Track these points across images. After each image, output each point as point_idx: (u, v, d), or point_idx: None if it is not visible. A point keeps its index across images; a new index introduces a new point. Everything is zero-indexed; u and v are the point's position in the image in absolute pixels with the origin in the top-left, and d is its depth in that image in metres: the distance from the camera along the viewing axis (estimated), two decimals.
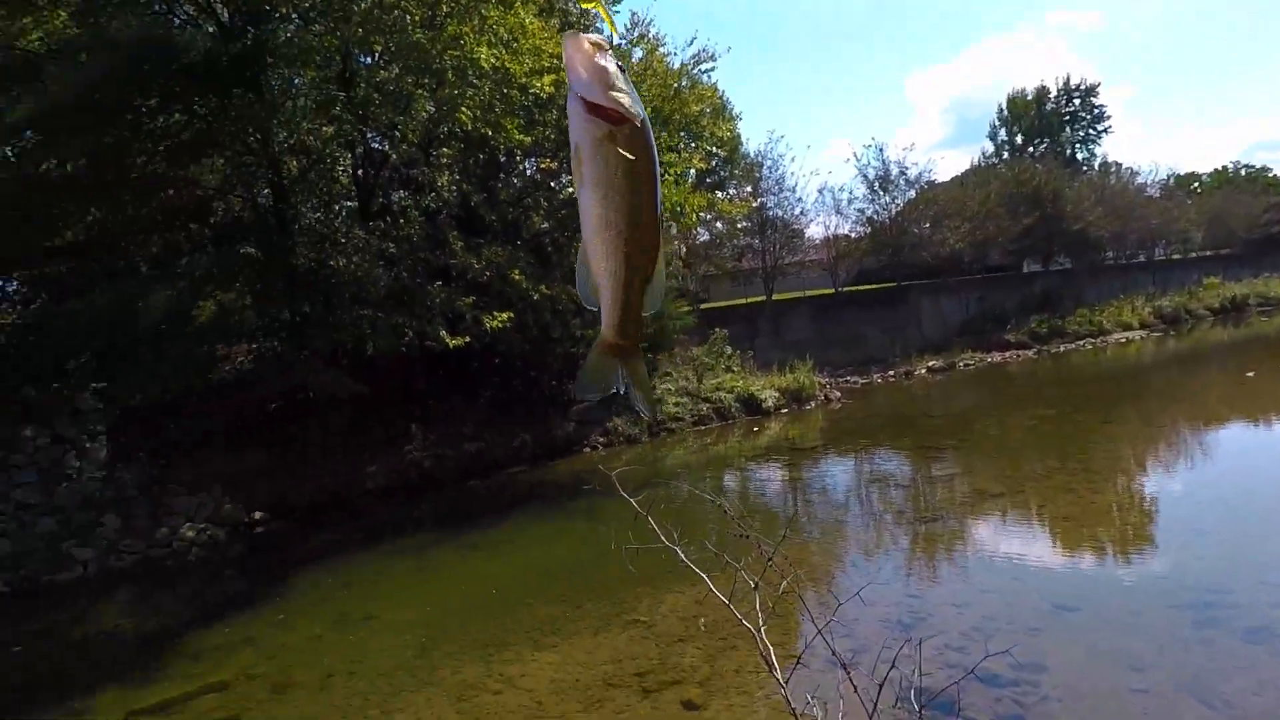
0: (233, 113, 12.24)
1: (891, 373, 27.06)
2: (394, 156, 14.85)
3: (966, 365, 27.45)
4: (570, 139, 1.21)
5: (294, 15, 12.74)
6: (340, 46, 12.75)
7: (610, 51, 1.17)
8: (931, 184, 34.86)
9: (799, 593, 3.17)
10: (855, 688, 2.60)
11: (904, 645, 3.07)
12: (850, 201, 35.34)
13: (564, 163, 15.09)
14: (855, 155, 58.79)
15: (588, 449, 17.14)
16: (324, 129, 13.40)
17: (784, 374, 22.17)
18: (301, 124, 12.86)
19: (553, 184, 15.85)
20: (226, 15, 12.73)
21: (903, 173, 33.51)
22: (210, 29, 12.76)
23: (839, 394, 22.68)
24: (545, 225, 15.82)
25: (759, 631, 2.80)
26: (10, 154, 12.83)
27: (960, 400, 21.03)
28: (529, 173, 16.96)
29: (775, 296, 32.92)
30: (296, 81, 13.04)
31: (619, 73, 1.15)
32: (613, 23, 1.34)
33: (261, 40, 11.99)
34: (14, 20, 12.40)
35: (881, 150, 34.22)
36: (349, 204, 15.32)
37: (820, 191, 49.97)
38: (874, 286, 34.78)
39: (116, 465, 13.02)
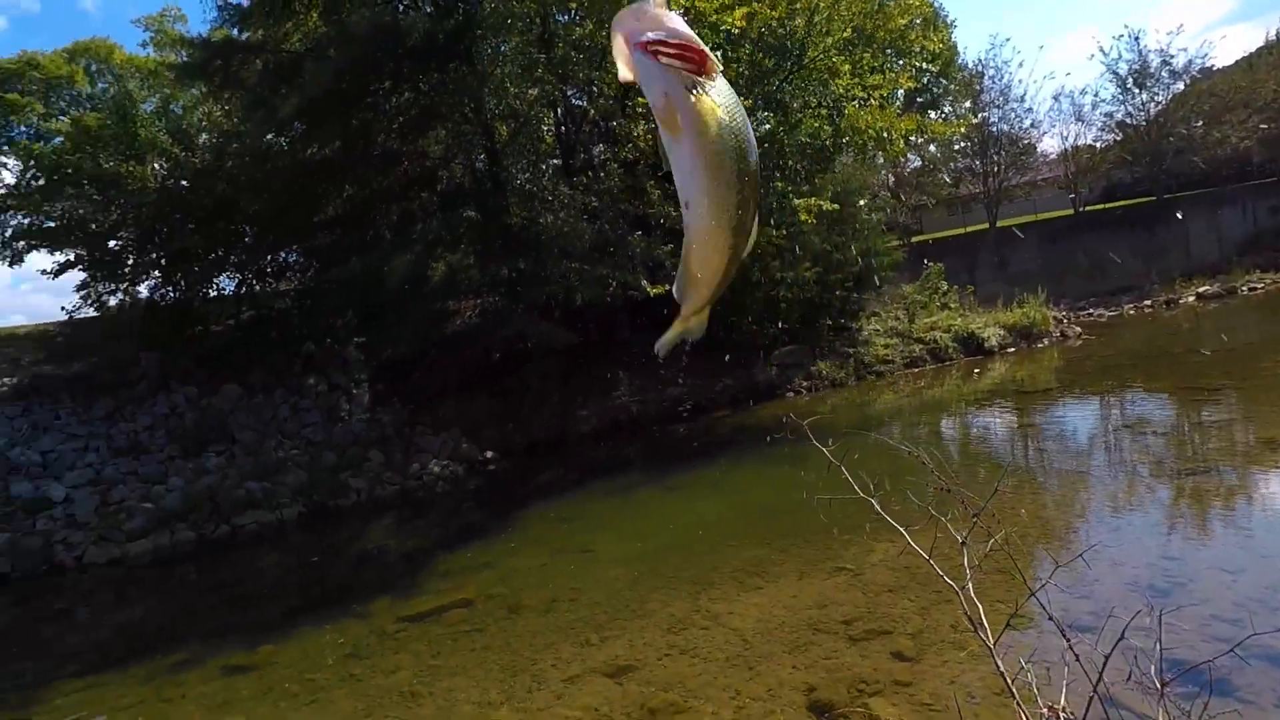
0: (450, 86, 13.26)
1: (1148, 303, 23.60)
2: (592, 111, 15.29)
3: (1253, 289, 23.07)
4: (652, 106, 1.11)
5: None
6: (539, 9, 13.25)
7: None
8: (1207, 72, 28.92)
9: (1010, 550, 2.92)
10: (1078, 656, 2.37)
11: (1140, 613, 2.74)
12: (1095, 105, 30.85)
13: (757, 99, 14.63)
14: (1102, 49, 50.81)
15: (790, 394, 16.93)
16: (529, 92, 14.12)
17: (1010, 309, 20.18)
18: (509, 89, 13.63)
19: None
20: None
21: (1166, 62, 28.08)
22: (428, 10, 13.84)
23: (1078, 329, 20.27)
24: None
25: (963, 590, 2.64)
26: (284, 144, 14.99)
27: (1242, 332, 17.73)
28: None
29: (1000, 223, 29.84)
30: (503, 49, 13.78)
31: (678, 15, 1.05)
32: None
33: (470, 13, 12.79)
34: (280, 27, 14.32)
35: (1137, 39, 29.30)
36: (554, 162, 16.08)
37: (1056, 98, 43.89)
38: (1126, 203, 30.18)
39: (377, 409, 15.08)
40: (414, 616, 6.97)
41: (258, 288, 16.91)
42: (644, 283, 13.45)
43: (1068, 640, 2.46)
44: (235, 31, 14.44)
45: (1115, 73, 29.23)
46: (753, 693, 4.77)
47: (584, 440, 14.82)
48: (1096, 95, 46.58)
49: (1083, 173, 30.27)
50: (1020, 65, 36.39)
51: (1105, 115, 30.23)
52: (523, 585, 7.49)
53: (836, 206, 16.13)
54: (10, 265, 17.34)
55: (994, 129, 30.03)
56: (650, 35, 1.03)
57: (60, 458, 12.74)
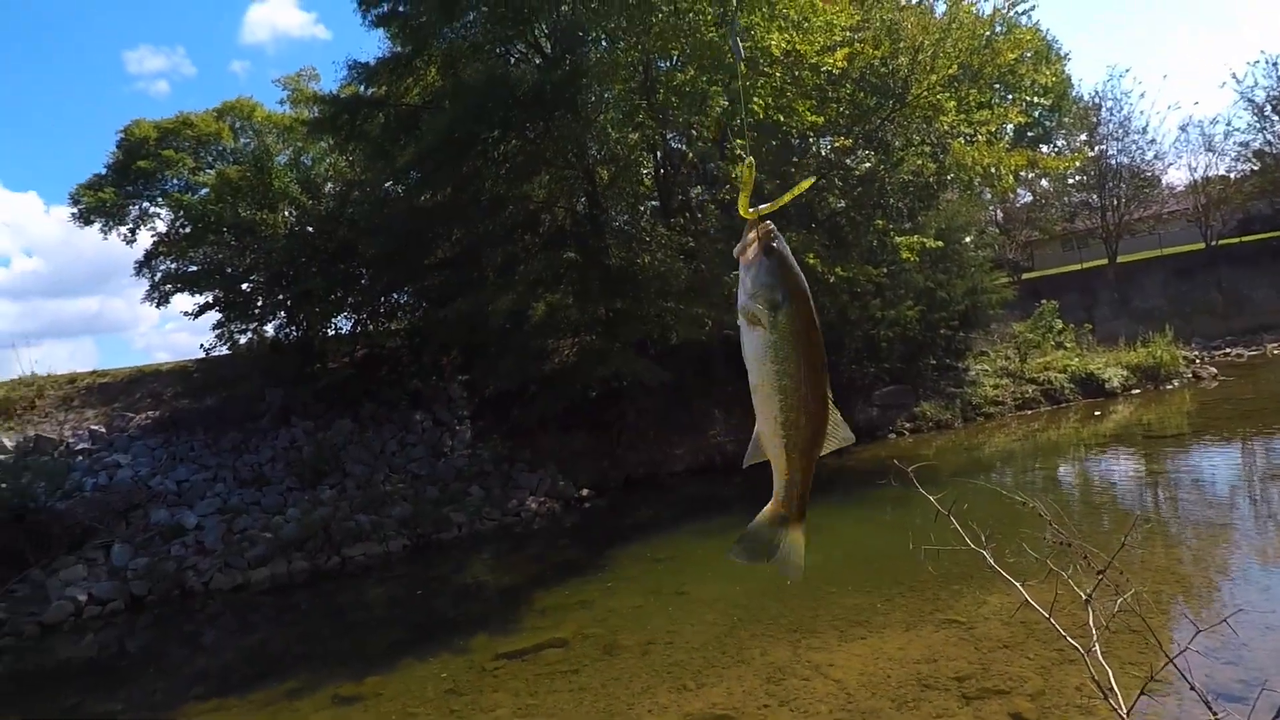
0: (555, 133, 13.81)
1: None
2: (690, 154, 15.53)
3: None
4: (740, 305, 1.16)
5: (603, 38, 13.96)
6: (641, 58, 13.67)
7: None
8: None
9: (1141, 610, 2.69)
10: None
11: None
12: (1228, 134, 28.86)
13: (858, 139, 14.47)
14: (1235, 76, 47.81)
15: (892, 435, 16.35)
16: (630, 136, 14.52)
17: (1134, 348, 18.89)
18: (611, 134, 14.06)
19: (848, 161, 15.29)
20: (549, 48, 14.41)
21: None
22: (537, 61, 14.54)
23: (1213, 370, 18.73)
24: (841, 205, 15.35)
25: (1089, 651, 2.44)
26: (400, 190, 15.98)
27: None
28: (823, 153, 16.58)
29: (1120, 259, 28.14)
30: (606, 96, 14.27)
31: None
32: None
33: (577, 64, 13.35)
34: (401, 82, 15.40)
35: (1275, 65, 27.33)
36: (652, 203, 16.39)
37: (1183, 128, 41.31)
38: (1265, 236, 27.91)
39: (477, 444, 15.55)
40: (512, 654, 7.05)
41: (371, 327, 17.90)
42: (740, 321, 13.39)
43: (1214, 713, 2.23)
44: (362, 88, 15.61)
45: (1251, 100, 27.35)
46: None
47: (678, 478, 14.76)
48: (1229, 124, 43.61)
49: (1215, 205, 28.24)
50: (1142, 96, 34.46)
51: (1240, 145, 28.26)
52: (619, 626, 7.46)
53: (940, 244, 15.66)
54: (158, 307, 19.07)
55: (1112, 161, 28.53)
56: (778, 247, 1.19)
57: (193, 487, 13.74)
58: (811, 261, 13.52)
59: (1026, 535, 4.99)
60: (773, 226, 1.15)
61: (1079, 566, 3.22)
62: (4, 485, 11.70)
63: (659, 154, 15.84)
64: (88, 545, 11.89)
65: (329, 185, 18.33)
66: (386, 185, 16.25)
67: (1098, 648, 2.66)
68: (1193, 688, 2.41)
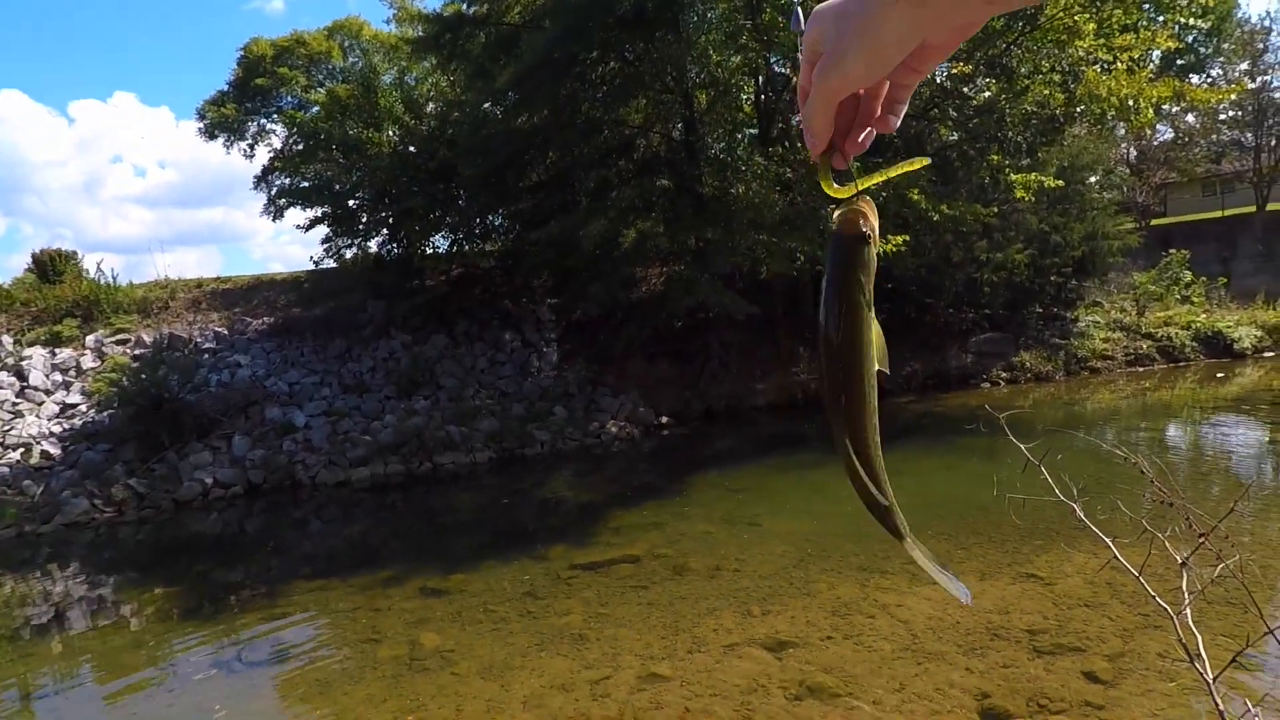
0: (655, 54, 13.45)
1: None
2: (795, 79, 14.83)
3: None
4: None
5: None
6: None
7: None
8: None
9: (1244, 579, 2.55)
10: None
11: None
12: None
13: (979, 65, 13.42)
14: None
15: (987, 384, 15.71)
16: (731, 59, 13.98)
17: (1273, 307, 17.29)
18: (713, 56, 13.58)
19: (965, 89, 14.25)
20: None
21: None
22: None
23: None
24: (953, 137, 14.43)
25: (1180, 614, 2.34)
26: (499, 112, 16.06)
27: None
28: (938, 80, 15.50)
29: (1270, 207, 25.43)
30: (709, 15, 13.71)
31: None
32: None
33: None
34: (503, 0, 15.27)
35: None
36: (750, 131, 15.85)
37: None
38: None
39: (563, 367, 15.94)
40: (586, 565, 7.38)
41: (467, 248, 18.37)
42: None
43: None
44: (464, 6, 15.58)
45: None
46: (918, 689, 4.57)
47: (760, 412, 14.75)
48: None
49: None
50: None
51: None
52: (689, 549, 7.66)
53: (1060, 183, 14.53)
54: (273, 220, 20.11)
55: (1276, 95, 25.48)
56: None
57: (303, 389, 14.75)
58: (915, 198, 12.87)
59: (1123, 493, 4.77)
60: (863, 212, 0.90)
61: (1178, 529, 3.07)
62: (144, 376, 12.89)
63: (760, 79, 15.21)
64: (213, 435, 13.05)
65: (431, 105, 18.60)
66: (485, 106, 16.34)
67: (1189, 613, 2.56)
68: None
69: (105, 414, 13.19)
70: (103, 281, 17.54)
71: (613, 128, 15.05)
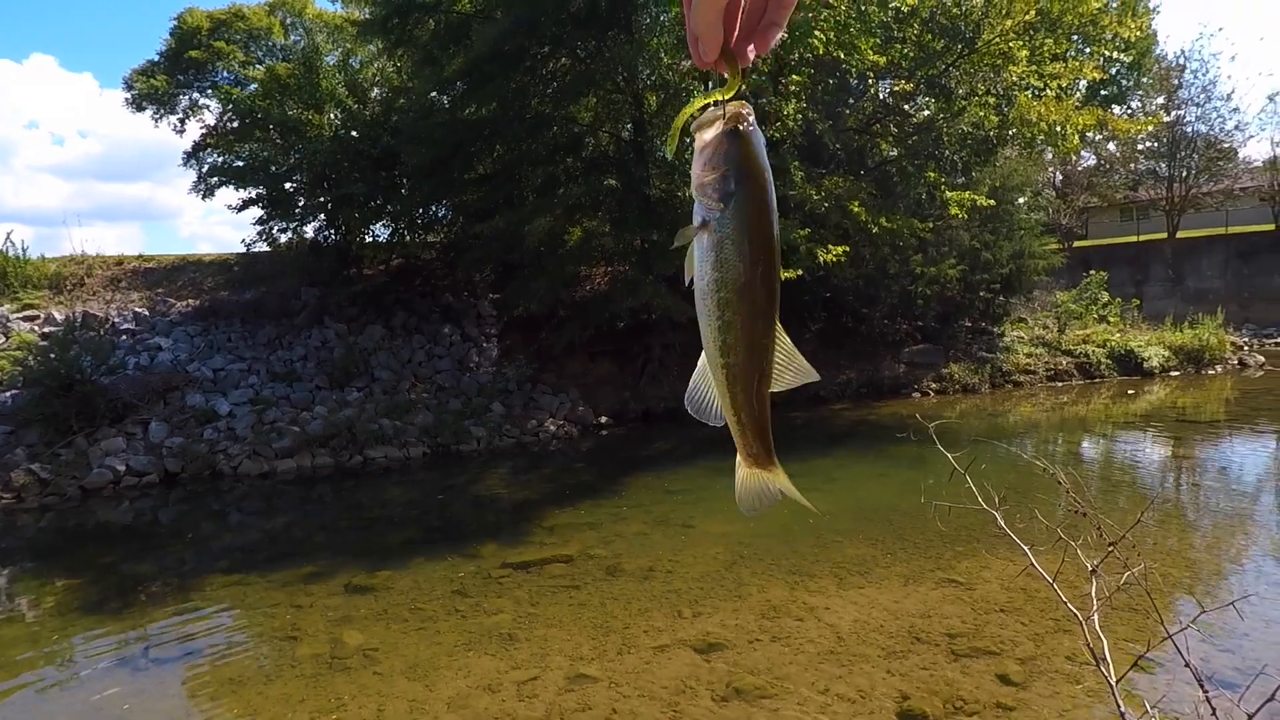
0: (607, 54, 13.41)
1: None
2: (744, 86, 15.01)
3: None
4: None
5: None
6: None
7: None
8: None
9: (1147, 587, 2.68)
10: (1215, 711, 2.15)
11: None
12: None
13: (920, 84, 13.86)
14: None
15: (917, 393, 16.21)
16: (682, 63, 14.04)
17: (1180, 329, 18.34)
18: (664, 59, 13.62)
19: (906, 107, 14.69)
20: None
21: None
22: None
23: (1261, 359, 18.16)
24: (893, 153, 14.84)
25: (1087, 620, 2.45)
26: (446, 102, 15.75)
27: None
28: (881, 96, 15.93)
29: (1181, 233, 27.01)
30: (662, 19, 13.75)
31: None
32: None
33: None
34: None
35: None
36: None
37: (1271, 99, 38.97)
38: None
39: (503, 363, 15.75)
40: (518, 564, 7.30)
41: (409, 237, 17.96)
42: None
43: (1205, 692, 2.24)
44: None
45: None
46: (841, 691, 4.67)
47: None
48: None
49: None
50: (1232, 59, 32.25)
51: None
52: (623, 550, 7.66)
53: (992, 202, 15.13)
54: (203, 199, 19.23)
55: (1188, 129, 27.06)
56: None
57: (228, 376, 14.17)
58: (856, 210, 13.19)
59: (1041, 502, 4.98)
60: (748, 109, 0.90)
61: (1090, 539, 3.21)
62: (54, 356, 12.17)
63: (710, 84, 15.30)
64: (128, 420, 12.41)
65: (375, 90, 18.12)
66: (433, 95, 16.01)
67: (1096, 619, 2.68)
68: (1187, 664, 2.42)
69: (8, 394, 12.40)
70: (11, 254, 16.50)
71: (562, 124, 14.95)
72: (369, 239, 17.99)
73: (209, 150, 18.53)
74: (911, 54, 13.58)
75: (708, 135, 0.91)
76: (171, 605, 6.82)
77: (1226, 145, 27.65)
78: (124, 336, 14.95)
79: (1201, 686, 2.31)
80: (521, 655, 5.39)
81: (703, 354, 1.01)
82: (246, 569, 7.75)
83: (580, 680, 4.96)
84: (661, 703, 4.64)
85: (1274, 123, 37.13)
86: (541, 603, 6.38)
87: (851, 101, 15.82)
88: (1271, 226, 26.27)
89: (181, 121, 19.48)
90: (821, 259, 13.12)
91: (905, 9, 12.55)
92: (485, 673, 5.13)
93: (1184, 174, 27.34)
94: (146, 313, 15.99)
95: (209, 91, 19.00)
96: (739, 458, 1.07)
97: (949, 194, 14.00)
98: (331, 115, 17.14)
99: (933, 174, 14.17)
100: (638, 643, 5.49)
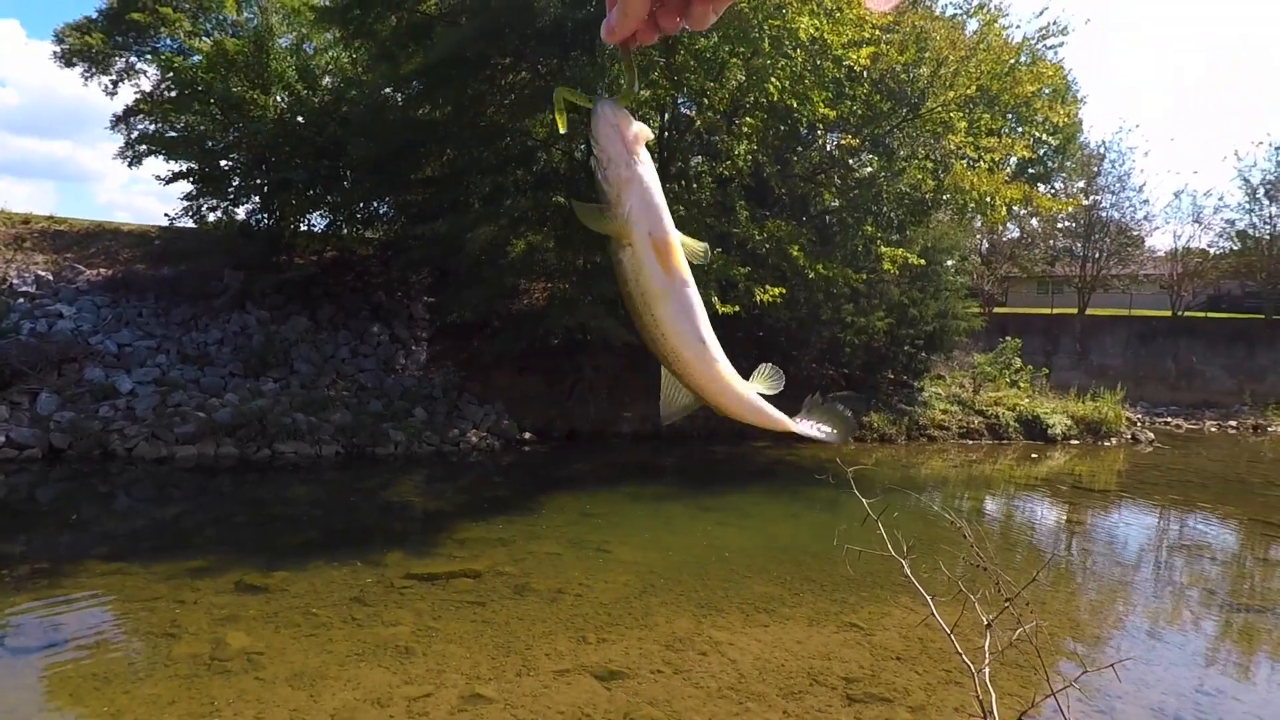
0: (568, 73, 13.46)
1: (1233, 423, 22.41)
2: (699, 122, 15.31)
3: None
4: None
5: None
6: None
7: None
8: None
9: (1036, 644, 2.79)
10: None
11: None
12: (1217, 210, 29.58)
13: (865, 141, 14.43)
14: (1237, 154, 48.91)
15: None
16: (641, 92, 14.23)
17: (1083, 401, 19.41)
18: (623, 86, 13.74)
19: (850, 161, 15.25)
20: None
21: None
22: None
23: (1151, 435, 19.36)
24: (835, 204, 15.35)
25: (979, 673, 2.53)
26: (399, 99, 15.48)
27: None
28: (828, 148, 16.50)
29: (1089, 311, 28.75)
30: None
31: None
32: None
33: (603, 7, 12.95)
34: None
35: (1279, 149, 27.94)
36: None
37: (1177, 195, 42.37)
38: (1230, 315, 28.75)
39: (430, 368, 15.41)
40: (423, 576, 7.08)
41: (346, 231, 17.48)
42: (714, 298, 13.39)
43: None
44: None
45: (1246, 179, 27.96)
46: None
47: (623, 440, 14.84)
48: (1221, 199, 44.72)
49: (1189, 276, 28.92)
50: (1146, 155, 34.97)
51: (1226, 222, 28.91)
52: (533, 569, 7.53)
53: (923, 261, 15.79)
54: (130, 166, 18.26)
55: (1103, 214, 28.97)
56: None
57: (134, 352, 13.40)
58: (795, 254, 13.53)
59: (944, 554, 5.14)
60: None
61: (988, 594, 3.32)
62: None
63: (666, 115, 15.57)
64: (14, 388, 11.57)
65: (327, 79, 17.68)
66: (386, 90, 15.72)
67: (988, 672, 2.76)
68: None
69: None
70: None
71: (515, 136, 14.88)
72: (304, 227, 17.42)
73: (141, 116, 17.68)
74: (860, 111, 14.13)
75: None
76: (38, 590, 6.33)
77: (1135, 233, 29.75)
78: (21, 300, 13.99)
79: None
80: (417, 670, 5.20)
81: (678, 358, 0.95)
82: (129, 557, 7.28)
83: (475, 700, 4.82)
84: None
85: (1177, 216, 40.13)
86: (444, 617, 6.19)
87: (800, 150, 16.32)
88: (1168, 313, 28.27)
89: (114, 83, 18.60)
90: (759, 298, 13.38)
91: (858, 68, 13.07)
92: (376, 686, 4.93)
93: (1096, 255, 29.19)
94: (50, 277, 15.02)
95: (148, 57, 18.19)
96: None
97: (884, 249, 14.54)
98: (278, 98, 16.62)
99: (870, 228, 14.71)
100: (538, 665, 5.38)
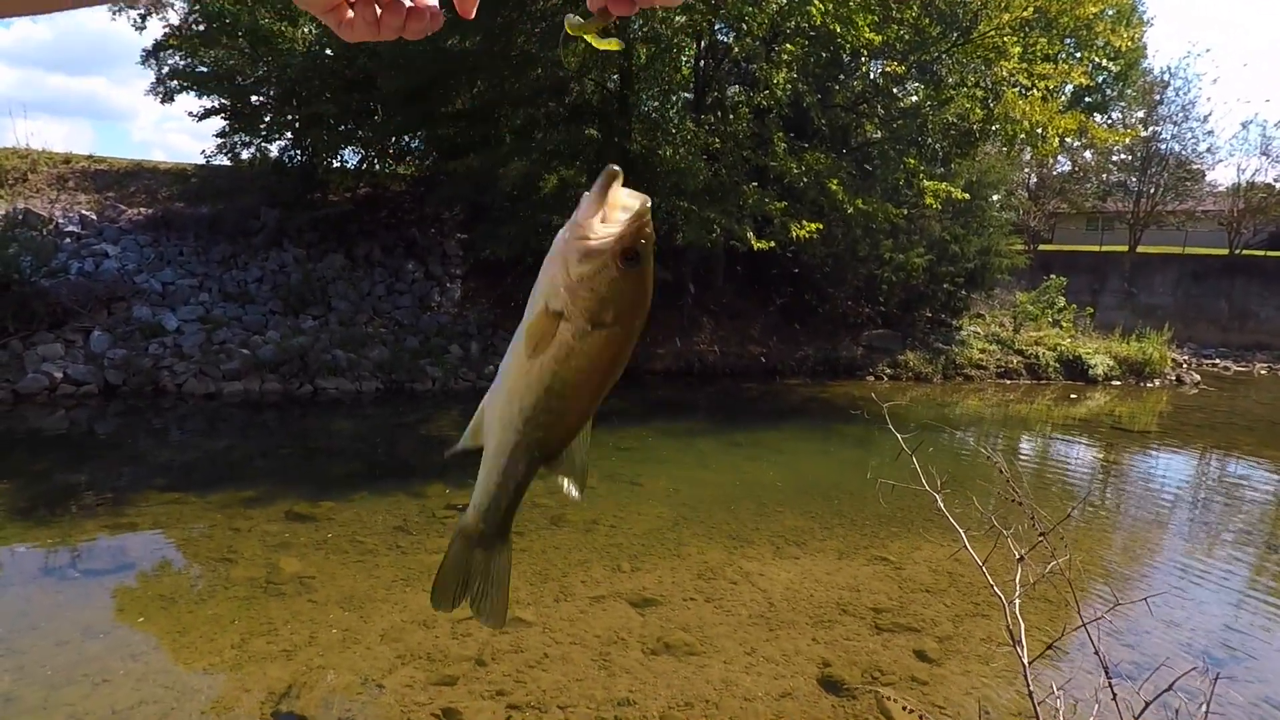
0: None
1: None
2: (736, 50, 14.80)
3: None
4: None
5: None
6: None
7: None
8: None
9: (1068, 577, 2.80)
10: (1115, 696, 2.28)
11: (1190, 672, 2.59)
12: None
13: (911, 68, 13.83)
14: None
15: (871, 377, 16.51)
16: (676, 17, 13.75)
17: (1127, 341, 18.94)
18: (658, 12, 13.31)
19: (895, 90, 14.66)
20: None
21: None
22: None
23: (1197, 377, 18.88)
24: (877, 135, 14.85)
25: (1010, 603, 2.56)
26: None
27: None
28: (872, 76, 15.87)
29: (1140, 249, 27.73)
30: None
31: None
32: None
33: None
34: None
35: None
36: (685, 95, 15.74)
37: (1245, 125, 40.04)
38: None
39: (465, 305, 15.55)
40: (463, 507, 7.23)
41: (378, 166, 17.45)
42: (749, 234, 13.20)
43: (1109, 678, 2.37)
44: None
45: None
46: (767, 653, 4.82)
47: (656, 377, 14.93)
48: None
49: (1251, 212, 27.60)
50: (1214, 82, 32.74)
51: None
52: (568, 502, 7.69)
53: (967, 196, 15.29)
54: (162, 103, 18.27)
55: (1162, 146, 27.61)
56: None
57: (178, 291, 13.72)
58: (834, 188, 13.20)
59: (978, 489, 5.15)
60: (647, 213, 0.79)
61: (1020, 529, 3.34)
62: None
63: (703, 43, 15.07)
64: (68, 327, 11.96)
65: None
66: None
67: (1018, 604, 2.80)
68: (1096, 652, 2.55)
69: None
70: None
71: (547, 67, 14.57)
72: (336, 164, 17.42)
73: (170, 51, 17.61)
74: (907, 36, 13.50)
75: (597, 241, 0.78)
76: (104, 518, 6.68)
77: (1195, 167, 28.36)
78: (68, 239, 14.33)
79: (1106, 673, 2.43)
80: None
81: (490, 407, 0.90)
82: (185, 488, 7.62)
83: (515, 623, 5.03)
84: (593, 651, 4.74)
85: (1243, 149, 38.05)
86: None
87: (842, 78, 15.73)
88: (1225, 251, 27.14)
89: (143, 17, 18.41)
90: (795, 234, 13.15)
91: None
92: (422, 609, 5.16)
93: (1152, 190, 27.97)
94: (94, 217, 15.32)
95: None
96: (469, 522, 0.93)
97: (926, 183, 14.10)
98: (306, 29, 16.40)
99: (913, 160, 14.24)
100: (575, 591, 5.57)
